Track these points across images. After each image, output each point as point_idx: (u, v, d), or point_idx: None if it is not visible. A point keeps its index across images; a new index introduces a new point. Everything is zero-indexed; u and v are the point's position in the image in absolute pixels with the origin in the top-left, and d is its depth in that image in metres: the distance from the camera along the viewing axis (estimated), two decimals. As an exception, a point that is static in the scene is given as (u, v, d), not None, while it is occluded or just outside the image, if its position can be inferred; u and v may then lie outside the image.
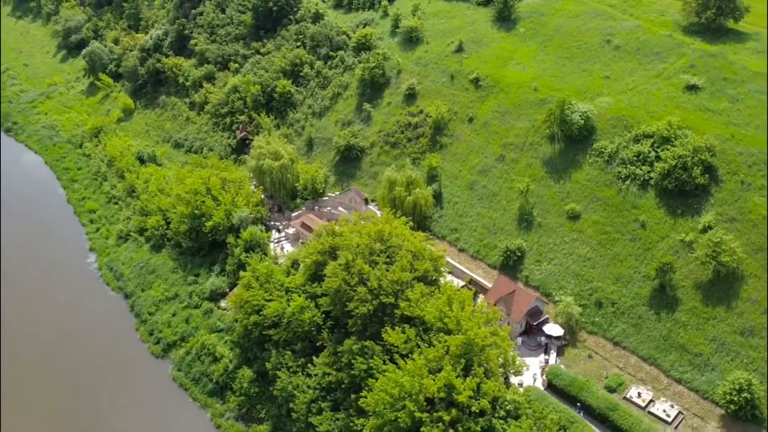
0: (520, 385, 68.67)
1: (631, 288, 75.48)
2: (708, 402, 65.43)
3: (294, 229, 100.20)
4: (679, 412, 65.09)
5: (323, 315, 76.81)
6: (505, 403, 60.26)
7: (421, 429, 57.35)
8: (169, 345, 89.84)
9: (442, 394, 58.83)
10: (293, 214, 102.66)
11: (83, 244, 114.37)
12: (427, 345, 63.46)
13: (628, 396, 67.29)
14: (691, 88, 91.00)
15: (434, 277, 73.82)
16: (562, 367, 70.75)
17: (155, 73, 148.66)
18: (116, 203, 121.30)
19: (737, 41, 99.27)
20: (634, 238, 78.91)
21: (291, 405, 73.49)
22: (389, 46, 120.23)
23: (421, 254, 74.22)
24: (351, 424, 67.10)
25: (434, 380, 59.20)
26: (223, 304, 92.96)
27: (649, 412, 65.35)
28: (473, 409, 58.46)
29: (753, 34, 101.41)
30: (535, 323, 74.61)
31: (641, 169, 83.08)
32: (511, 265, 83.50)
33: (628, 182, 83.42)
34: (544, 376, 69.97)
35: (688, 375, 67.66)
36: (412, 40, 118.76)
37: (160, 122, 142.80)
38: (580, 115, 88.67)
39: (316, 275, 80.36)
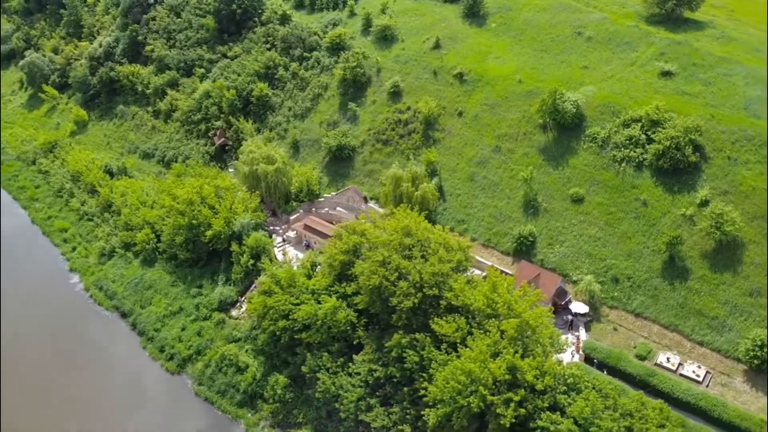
0: (560, 362, 72.01)
1: (643, 262, 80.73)
2: (731, 360, 71.33)
3: (295, 232, 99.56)
4: (707, 372, 70.65)
5: (356, 314, 77.48)
6: (564, 377, 63.39)
7: (497, 410, 59.41)
8: (185, 360, 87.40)
9: (507, 377, 61.16)
10: (292, 217, 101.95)
11: (61, 265, 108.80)
12: (482, 332, 65.53)
13: (658, 362, 72.22)
14: (666, 74, 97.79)
15: (465, 267, 76.12)
16: (594, 341, 74.90)
17: (109, 82, 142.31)
18: (90, 220, 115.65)
19: (696, 29, 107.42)
20: (638, 216, 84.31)
21: (336, 405, 73.68)
22: (363, 45, 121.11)
23: (450, 245, 76.25)
24: (408, 416, 68.41)
25: (498, 364, 61.39)
26: (234, 313, 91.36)
27: (681, 375, 70.51)
28: (537, 387, 61.22)
29: (708, 21, 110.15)
30: (562, 303, 78.40)
31: (635, 152, 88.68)
32: (524, 250, 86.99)
33: (624, 164, 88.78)
34: (580, 351, 73.87)
35: (709, 337, 73.41)
36: (386, 38, 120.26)
37: (121, 133, 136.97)
38: (571, 104, 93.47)
39: (341, 275, 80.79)
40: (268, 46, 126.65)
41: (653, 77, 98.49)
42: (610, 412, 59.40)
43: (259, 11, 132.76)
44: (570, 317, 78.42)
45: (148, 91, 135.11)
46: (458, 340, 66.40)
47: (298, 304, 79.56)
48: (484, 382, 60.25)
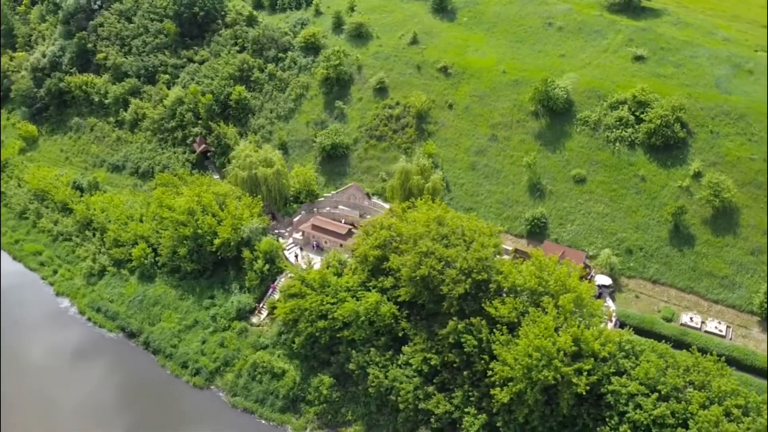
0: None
1: (651, 233, 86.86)
2: (746, 313, 78.53)
3: (302, 234, 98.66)
4: (728, 326, 77.40)
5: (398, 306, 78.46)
6: (623, 344, 67.58)
7: (572, 380, 62.56)
8: (212, 373, 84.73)
9: (573, 348, 64.48)
10: (294, 219, 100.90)
11: (45, 290, 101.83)
12: (541, 310, 68.48)
13: (683, 322, 78.25)
14: (638, 58, 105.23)
15: (501, 251, 78.92)
16: (624, 309, 79.92)
17: (58, 94, 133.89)
18: (68, 240, 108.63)
19: (654, 17, 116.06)
20: (639, 191, 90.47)
21: (391, 397, 74.40)
22: (338, 43, 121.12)
23: (482, 231, 78.71)
24: (471, 398, 70.34)
25: (564, 338, 64.56)
26: (254, 320, 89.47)
27: (706, 331, 76.81)
28: (601, 355, 65.00)
29: (663, 9, 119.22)
30: (588, 277, 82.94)
31: (626, 132, 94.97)
32: (537, 232, 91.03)
33: (617, 144, 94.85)
34: (614, 320, 78.70)
35: (723, 295, 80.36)
36: (361, 36, 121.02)
37: (80, 146, 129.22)
38: (561, 90, 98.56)
39: (374, 270, 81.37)
40: (238, 48, 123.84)
41: (627, 62, 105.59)
42: (672, 370, 64.00)
43: (222, 13, 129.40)
44: (597, 289, 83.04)
45: (106, 101, 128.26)
46: (515, 320, 69.00)
47: (335, 303, 79.52)
48: (555, 356, 63.18)
